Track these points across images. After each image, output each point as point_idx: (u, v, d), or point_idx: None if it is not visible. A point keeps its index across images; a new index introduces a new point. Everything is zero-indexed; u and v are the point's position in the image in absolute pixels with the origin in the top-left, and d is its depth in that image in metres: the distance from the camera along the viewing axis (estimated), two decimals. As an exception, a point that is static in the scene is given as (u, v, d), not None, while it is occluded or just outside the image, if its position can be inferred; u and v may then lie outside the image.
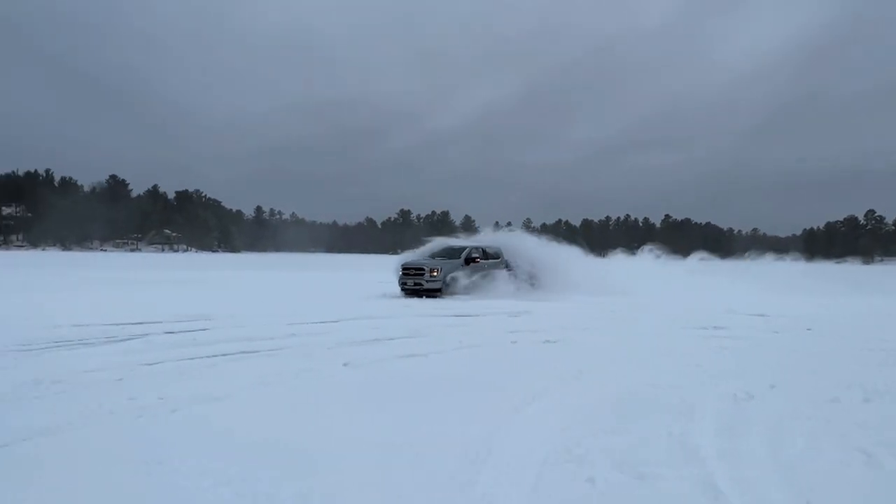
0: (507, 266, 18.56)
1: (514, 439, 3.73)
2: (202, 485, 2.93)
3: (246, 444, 3.56)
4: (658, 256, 29.64)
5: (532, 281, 18.35)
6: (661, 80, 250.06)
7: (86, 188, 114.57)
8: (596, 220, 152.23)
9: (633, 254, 31.67)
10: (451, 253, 18.08)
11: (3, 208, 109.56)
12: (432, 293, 16.17)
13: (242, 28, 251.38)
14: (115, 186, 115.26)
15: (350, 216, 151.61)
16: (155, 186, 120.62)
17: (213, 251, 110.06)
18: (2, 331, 7.99)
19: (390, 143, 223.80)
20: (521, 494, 2.90)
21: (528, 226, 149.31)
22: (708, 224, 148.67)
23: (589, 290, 17.32)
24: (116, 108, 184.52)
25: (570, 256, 21.46)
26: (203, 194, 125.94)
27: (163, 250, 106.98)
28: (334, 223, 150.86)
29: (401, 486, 2.99)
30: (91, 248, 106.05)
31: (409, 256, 18.89)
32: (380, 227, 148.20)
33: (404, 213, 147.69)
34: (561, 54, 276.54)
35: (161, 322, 9.38)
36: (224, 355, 6.60)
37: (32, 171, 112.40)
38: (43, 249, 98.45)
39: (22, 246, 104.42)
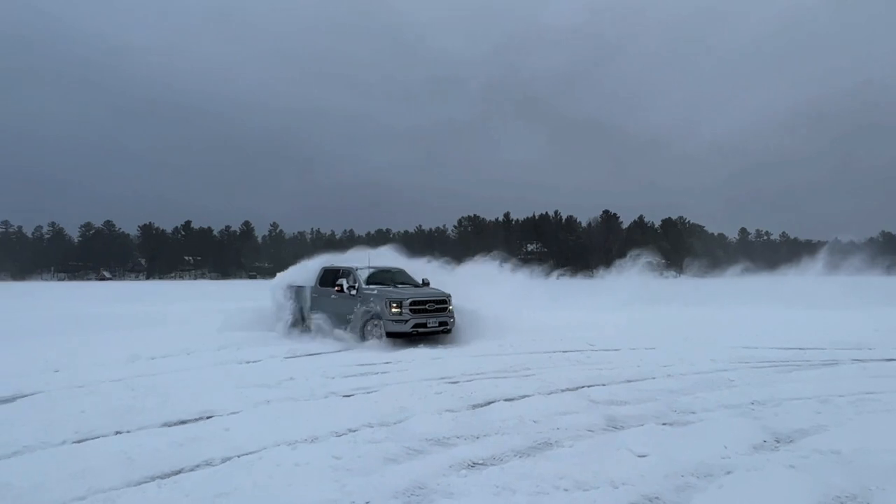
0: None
1: None
2: None
3: None
4: None
5: None
6: None
7: (583, 224, 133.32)
8: None
9: None
10: (399, 278, 12.60)
11: (528, 245, 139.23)
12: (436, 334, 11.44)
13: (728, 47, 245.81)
14: (608, 220, 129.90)
15: (858, 231, 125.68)
16: (641, 217, 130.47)
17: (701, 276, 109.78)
18: (695, 349, 9.95)
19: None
20: None
21: None
22: None
23: None
24: (605, 151, 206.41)
25: None
26: (686, 220, 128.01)
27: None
28: (835, 240, 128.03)
29: None
30: (591, 276, 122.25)
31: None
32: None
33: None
34: None
35: (824, 349, 9.85)
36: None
37: (545, 213, 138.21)
38: (557, 278, 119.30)
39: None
